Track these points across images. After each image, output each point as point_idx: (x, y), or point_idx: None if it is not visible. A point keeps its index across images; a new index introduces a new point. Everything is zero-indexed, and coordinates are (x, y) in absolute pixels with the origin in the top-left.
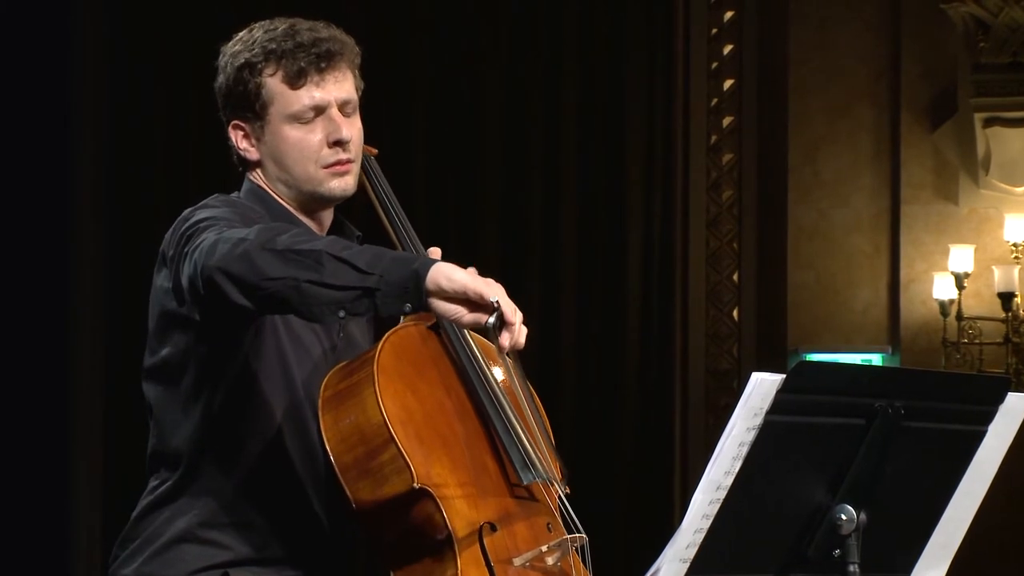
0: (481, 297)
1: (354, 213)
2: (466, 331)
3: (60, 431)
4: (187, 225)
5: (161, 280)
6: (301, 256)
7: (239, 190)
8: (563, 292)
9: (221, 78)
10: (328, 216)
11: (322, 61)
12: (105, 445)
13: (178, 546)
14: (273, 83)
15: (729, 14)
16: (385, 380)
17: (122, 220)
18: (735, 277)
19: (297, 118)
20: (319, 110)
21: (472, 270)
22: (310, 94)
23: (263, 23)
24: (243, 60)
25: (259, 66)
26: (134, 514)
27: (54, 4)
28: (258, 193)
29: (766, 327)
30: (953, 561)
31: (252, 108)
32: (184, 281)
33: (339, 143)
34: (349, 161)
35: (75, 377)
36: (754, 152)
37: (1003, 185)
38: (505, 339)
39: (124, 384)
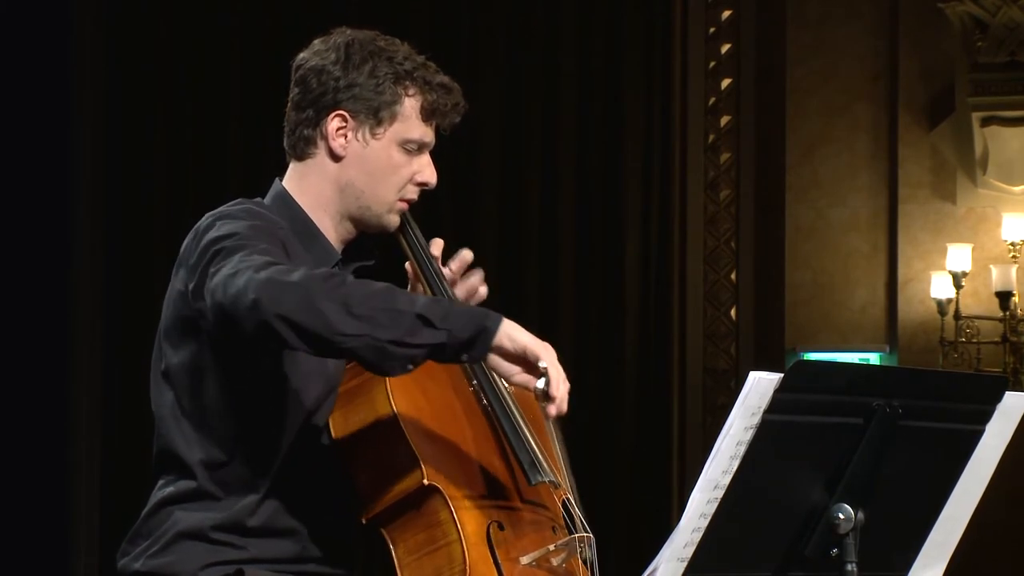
0: (537, 360)
1: None
2: None
3: (60, 430)
4: (211, 238)
5: (178, 283)
6: (379, 314)
7: (261, 195)
8: (561, 291)
9: (343, 68)
10: (349, 239)
11: (457, 115)
12: (104, 444)
13: (189, 542)
14: (411, 104)
15: (727, 13)
16: (395, 378)
17: (122, 220)
18: (733, 276)
19: (407, 144)
20: (424, 148)
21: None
22: (429, 132)
23: (393, 39)
24: (391, 67)
25: (406, 82)
26: (145, 511)
27: (54, 4)
28: (286, 200)
29: (764, 326)
30: (951, 560)
31: (375, 112)
32: (210, 301)
33: (423, 185)
34: (413, 202)
35: (75, 376)
36: (752, 151)
37: (1001, 184)
38: (552, 409)
39: (124, 384)
